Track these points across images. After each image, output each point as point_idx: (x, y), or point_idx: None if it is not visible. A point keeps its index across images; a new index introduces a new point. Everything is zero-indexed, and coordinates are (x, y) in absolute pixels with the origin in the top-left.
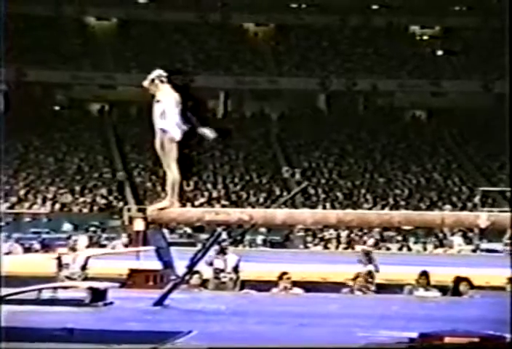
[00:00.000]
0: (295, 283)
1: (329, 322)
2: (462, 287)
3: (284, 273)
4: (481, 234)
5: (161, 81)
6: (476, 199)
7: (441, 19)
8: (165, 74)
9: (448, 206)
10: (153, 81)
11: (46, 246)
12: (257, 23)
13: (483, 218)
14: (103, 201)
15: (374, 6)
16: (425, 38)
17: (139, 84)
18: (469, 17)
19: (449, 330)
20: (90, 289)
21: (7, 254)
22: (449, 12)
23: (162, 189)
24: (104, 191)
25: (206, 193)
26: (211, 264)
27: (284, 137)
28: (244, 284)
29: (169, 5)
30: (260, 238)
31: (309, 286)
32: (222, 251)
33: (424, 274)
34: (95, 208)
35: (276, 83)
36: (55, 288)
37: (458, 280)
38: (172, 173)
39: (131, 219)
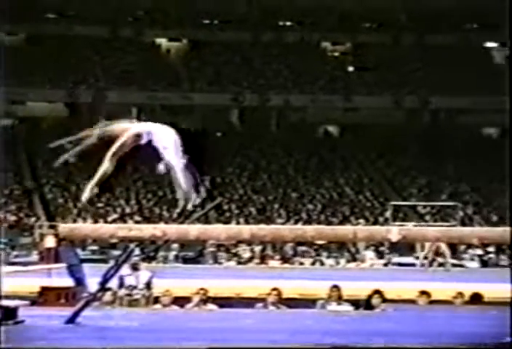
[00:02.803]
0: (209, 299)
1: (244, 337)
2: (375, 301)
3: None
4: (393, 248)
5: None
6: (388, 213)
7: (352, 36)
8: None
9: (360, 221)
10: None
11: None
12: (170, 39)
13: (394, 232)
14: (13, 218)
15: (286, 23)
16: (337, 54)
17: (50, 100)
18: (379, 33)
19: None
20: (0, 307)
21: None
22: (360, 29)
23: (74, 205)
24: (14, 208)
25: (118, 209)
26: (121, 285)
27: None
28: (158, 301)
29: (79, 20)
30: (172, 254)
31: (223, 302)
32: (135, 268)
33: (335, 288)
34: (5, 225)
35: (189, 98)
36: None
37: (371, 293)
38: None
39: (42, 236)
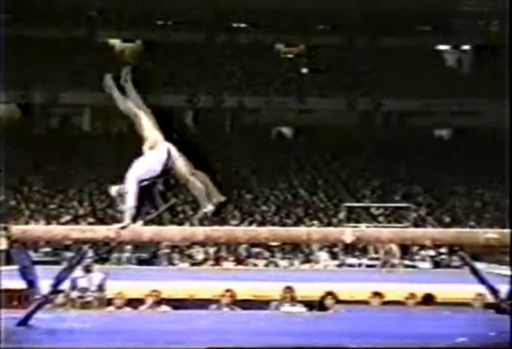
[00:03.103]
0: (163, 301)
1: (199, 339)
2: (328, 302)
3: (154, 291)
4: (346, 249)
5: None
6: (341, 215)
7: (306, 38)
8: None
9: (314, 222)
10: None
11: None
12: (124, 39)
13: (348, 233)
14: None
15: (240, 25)
16: (290, 56)
17: (2, 101)
18: (333, 35)
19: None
20: None
21: None
22: (314, 31)
23: (26, 207)
24: None
25: (71, 211)
26: (74, 287)
27: None
28: (111, 303)
29: (32, 21)
30: (125, 256)
31: (177, 304)
32: (87, 270)
33: (289, 289)
34: None
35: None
36: None
37: (324, 294)
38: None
39: None
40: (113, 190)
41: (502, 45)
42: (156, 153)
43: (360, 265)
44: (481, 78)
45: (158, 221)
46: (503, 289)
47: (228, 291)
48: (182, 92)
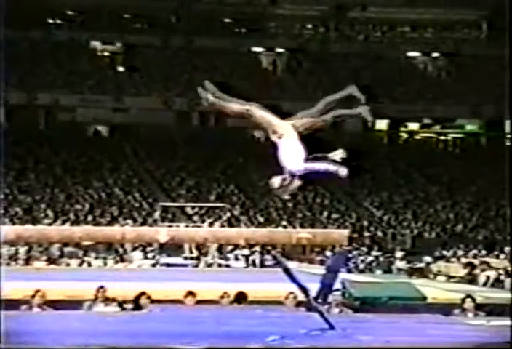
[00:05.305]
0: None
1: (7, 341)
2: (142, 301)
3: None
4: (161, 248)
5: None
6: (156, 214)
7: (123, 36)
8: None
9: (128, 221)
10: None
11: None
12: None
13: (162, 233)
14: None
15: (56, 21)
16: (107, 54)
17: None
18: (150, 34)
19: None
20: None
21: None
22: (131, 30)
23: None
24: None
25: None
26: None
27: None
28: None
29: None
30: None
31: None
32: None
33: (102, 289)
34: None
35: None
36: None
37: (139, 294)
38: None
39: None
40: (276, 182)
41: (314, 48)
42: (290, 139)
43: (175, 264)
44: (294, 80)
45: None
46: (313, 287)
47: (37, 291)
48: None
